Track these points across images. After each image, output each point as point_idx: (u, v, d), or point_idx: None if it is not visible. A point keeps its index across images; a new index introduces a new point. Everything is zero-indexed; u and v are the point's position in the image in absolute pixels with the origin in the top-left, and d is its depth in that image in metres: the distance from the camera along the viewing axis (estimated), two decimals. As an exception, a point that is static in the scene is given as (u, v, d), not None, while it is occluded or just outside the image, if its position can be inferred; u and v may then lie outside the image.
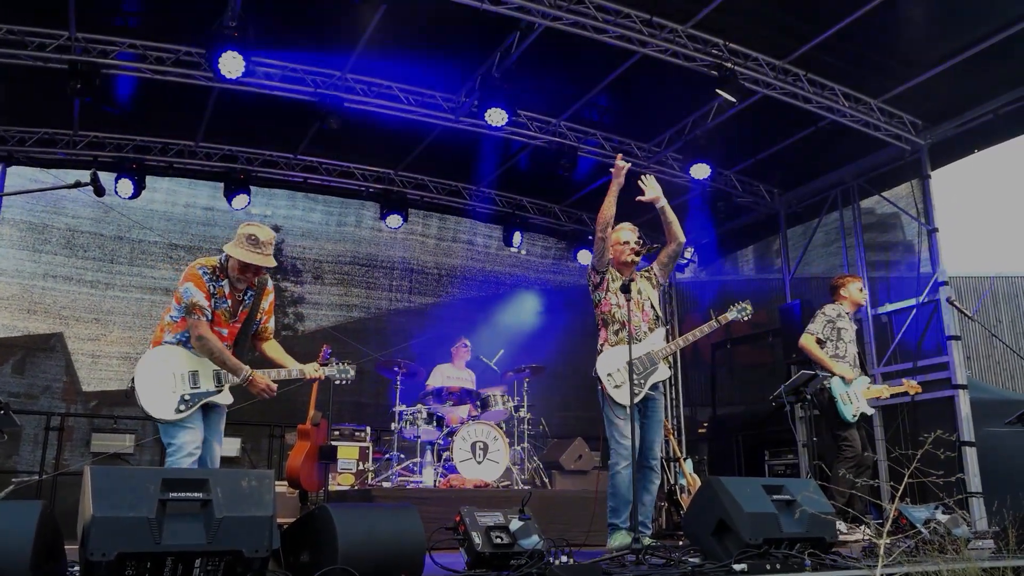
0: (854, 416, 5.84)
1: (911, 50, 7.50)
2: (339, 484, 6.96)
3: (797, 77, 7.96)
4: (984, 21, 6.94)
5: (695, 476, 7.36)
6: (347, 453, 7.13)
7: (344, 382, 4.68)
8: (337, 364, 4.66)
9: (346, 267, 10.23)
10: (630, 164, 5.12)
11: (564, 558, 3.95)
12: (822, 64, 7.86)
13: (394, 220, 9.87)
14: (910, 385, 6.36)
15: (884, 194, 9.20)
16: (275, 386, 4.26)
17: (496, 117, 7.92)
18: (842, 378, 5.90)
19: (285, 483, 6.78)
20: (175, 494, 2.89)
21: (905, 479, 2.84)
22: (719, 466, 8.78)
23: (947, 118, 8.31)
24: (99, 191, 4.05)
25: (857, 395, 5.90)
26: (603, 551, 4.51)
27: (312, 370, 4.47)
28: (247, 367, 4.18)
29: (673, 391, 10.54)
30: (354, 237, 10.31)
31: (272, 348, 4.53)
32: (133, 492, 2.84)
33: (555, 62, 7.80)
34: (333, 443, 7.04)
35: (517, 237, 10.48)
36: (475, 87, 8.11)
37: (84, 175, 4.06)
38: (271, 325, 4.54)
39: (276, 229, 10.04)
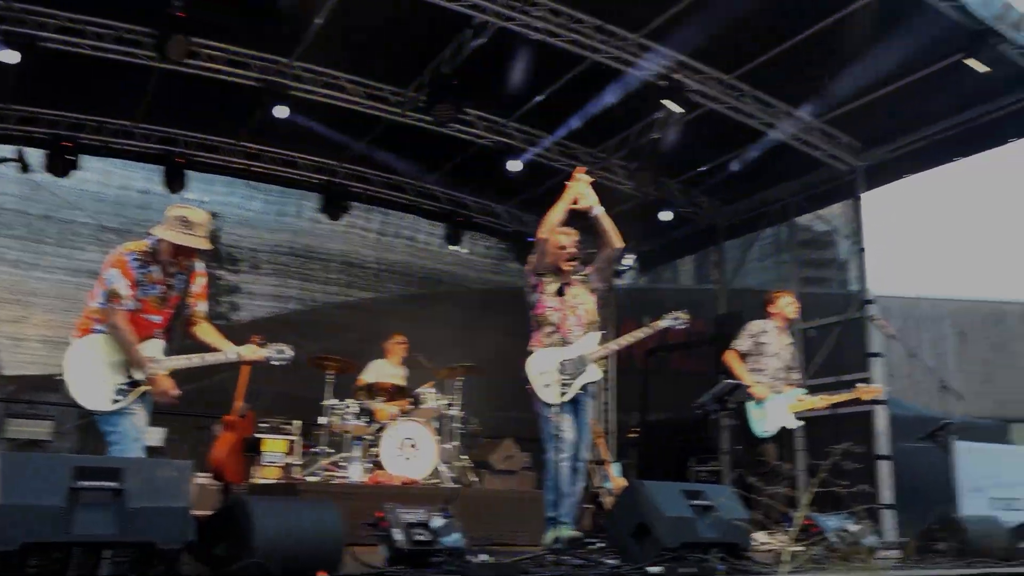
0: (766, 431, 5.98)
1: (852, 73, 7.73)
2: (264, 477, 6.89)
3: (742, 93, 8.15)
4: (918, 54, 7.20)
5: (622, 479, 7.49)
6: (274, 446, 7.03)
7: (283, 363, 4.58)
8: (274, 344, 4.56)
9: (284, 258, 10.12)
10: (592, 180, 5.17)
11: (484, 556, 4.00)
12: (767, 81, 8.06)
13: (335, 212, 9.80)
14: (864, 390, 6.36)
15: (820, 213, 9.49)
16: (176, 393, 4.11)
17: (444, 114, 7.95)
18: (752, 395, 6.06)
19: (209, 475, 6.69)
20: (87, 483, 2.84)
21: (811, 488, 2.96)
22: (647, 471, 8.93)
23: (883, 142, 8.58)
24: (24, 167, 3.95)
25: (777, 409, 6.03)
26: (525, 552, 4.57)
27: (249, 351, 4.37)
28: (151, 366, 4.04)
29: (606, 395, 10.68)
30: (293, 228, 10.21)
31: (205, 331, 4.42)
32: (42, 480, 2.78)
33: (506, 63, 7.84)
34: (260, 436, 6.97)
35: (459, 235, 10.51)
36: (425, 83, 8.12)
37: (12, 151, 3.95)
38: (202, 309, 4.44)
39: (214, 216, 9.86)
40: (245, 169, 9.67)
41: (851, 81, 7.82)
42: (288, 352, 4.52)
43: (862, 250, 8.66)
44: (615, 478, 7.64)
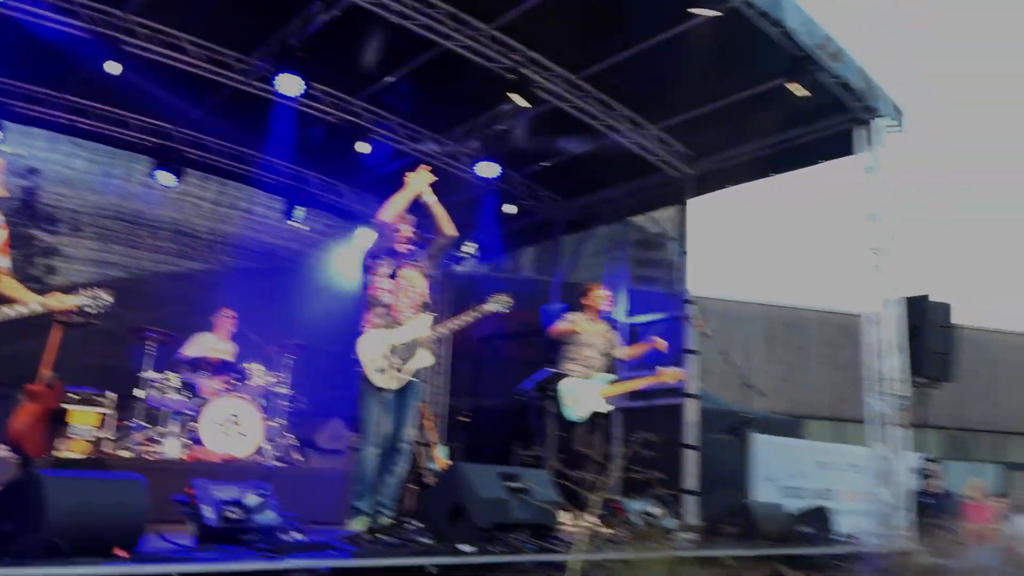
0: (577, 415, 6.27)
1: (689, 86, 8.13)
2: (70, 451, 6.47)
3: (588, 94, 8.41)
4: (749, 73, 7.68)
5: (448, 462, 7.58)
6: (84, 419, 6.60)
7: (100, 310, 4.25)
8: (87, 291, 4.22)
9: (108, 221, 9.47)
10: (434, 179, 5.25)
11: (298, 535, 3.97)
12: (612, 85, 8.35)
13: (168, 178, 9.28)
14: (666, 373, 6.78)
15: (652, 215, 9.95)
16: None
17: (288, 86, 7.71)
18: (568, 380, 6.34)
19: (7, 448, 6.21)
20: None
21: (612, 474, 3.14)
22: (474, 454, 9.07)
23: (711, 152, 9.05)
24: None
25: (588, 394, 6.33)
26: (340, 531, 4.57)
27: (56, 301, 4.03)
28: None
29: (439, 379, 10.77)
30: (121, 191, 9.56)
31: (5, 285, 4.07)
32: None
33: (357, 40, 7.71)
34: (68, 406, 6.54)
35: (300, 211, 10.24)
36: (271, 52, 7.84)
37: None
38: (2, 264, 4.10)
39: (32, 172, 9.18)
40: (69, 125, 8.97)
41: (686, 93, 8.26)
42: (105, 297, 4.20)
43: (685, 253, 9.19)
44: (440, 460, 7.71)
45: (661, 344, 6.73)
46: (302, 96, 8.01)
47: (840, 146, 7.97)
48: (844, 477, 8.22)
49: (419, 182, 5.17)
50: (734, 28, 6.83)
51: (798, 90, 7.22)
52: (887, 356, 7.27)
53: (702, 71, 7.63)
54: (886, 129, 7.73)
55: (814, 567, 5.02)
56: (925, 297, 7.92)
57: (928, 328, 7.77)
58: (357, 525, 4.73)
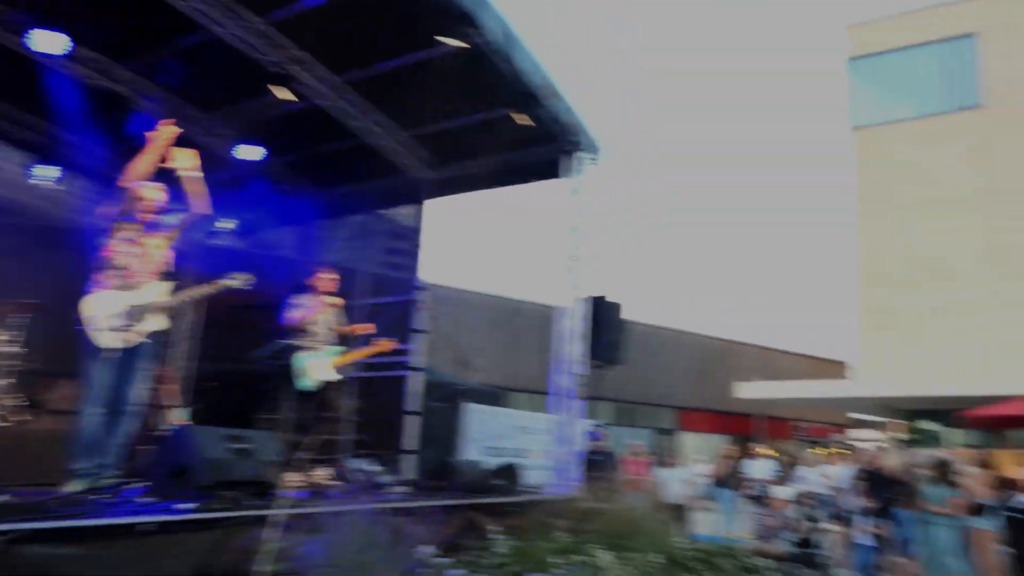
0: (308, 384, 6.04)
1: (436, 102, 8.08)
2: None
3: (347, 96, 8.09)
4: (485, 100, 7.79)
5: (186, 423, 6.92)
6: None
7: None
8: None
9: None
10: (177, 132, 4.70)
11: (7, 498, 3.37)
12: (370, 91, 8.11)
13: None
14: (380, 343, 6.72)
15: (399, 209, 9.83)
16: None
17: (48, 43, 6.61)
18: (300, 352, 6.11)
19: None
20: None
21: (318, 436, 2.98)
22: (218, 417, 8.33)
23: (450, 162, 9.12)
24: None
25: (319, 365, 6.10)
26: (56, 492, 3.96)
27: None
28: None
29: (190, 344, 9.84)
30: None
31: None
32: None
33: (131, 9, 6.78)
34: None
35: (48, 170, 8.82)
36: (30, 5, 6.65)
37: None
38: None
39: None
40: None
41: (434, 107, 8.22)
42: None
43: (419, 246, 9.21)
44: (178, 421, 7.03)
45: (364, 328, 6.65)
46: (64, 57, 6.92)
47: (551, 170, 8.35)
48: (537, 439, 8.64)
49: (162, 140, 4.60)
50: (476, 60, 6.92)
51: (523, 120, 7.50)
52: (573, 342, 7.77)
53: (448, 91, 7.64)
54: (587, 160, 8.21)
55: (501, 514, 5.20)
56: (603, 297, 8.52)
57: (605, 322, 8.38)
58: (75, 486, 4.11)
